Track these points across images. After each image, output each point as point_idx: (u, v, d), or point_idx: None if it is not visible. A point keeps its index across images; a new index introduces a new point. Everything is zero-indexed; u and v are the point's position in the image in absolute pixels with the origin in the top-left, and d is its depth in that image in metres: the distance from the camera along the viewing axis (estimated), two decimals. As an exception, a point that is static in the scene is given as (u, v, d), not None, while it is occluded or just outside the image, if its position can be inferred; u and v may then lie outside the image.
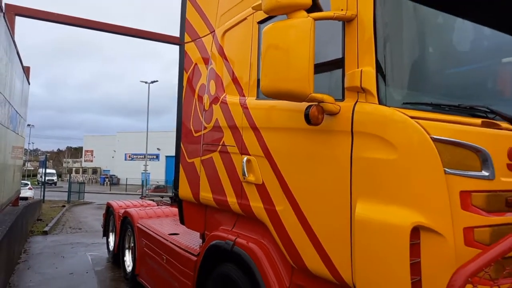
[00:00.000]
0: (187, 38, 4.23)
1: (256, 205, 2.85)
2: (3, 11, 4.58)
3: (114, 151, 61.30)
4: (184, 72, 4.25)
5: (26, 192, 20.82)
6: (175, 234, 4.63)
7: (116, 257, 6.83)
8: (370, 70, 2.10)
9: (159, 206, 6.75)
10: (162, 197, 8.70)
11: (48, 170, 38.12)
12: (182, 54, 4.28)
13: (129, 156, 59.70)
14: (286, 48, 2.13)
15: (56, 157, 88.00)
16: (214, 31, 3.75)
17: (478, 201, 2.05)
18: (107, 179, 56.06)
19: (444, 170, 1.94)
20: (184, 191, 4.05)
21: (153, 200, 7.92)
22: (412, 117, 1.97)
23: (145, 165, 33.07)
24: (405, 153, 1.96)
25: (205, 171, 3.66)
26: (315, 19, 2.15)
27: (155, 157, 52.81)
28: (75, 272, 6.61)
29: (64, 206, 20.40)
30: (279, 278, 2.64)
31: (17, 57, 6.47)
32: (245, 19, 3.22)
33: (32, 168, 63.49)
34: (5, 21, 4.75)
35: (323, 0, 2.33)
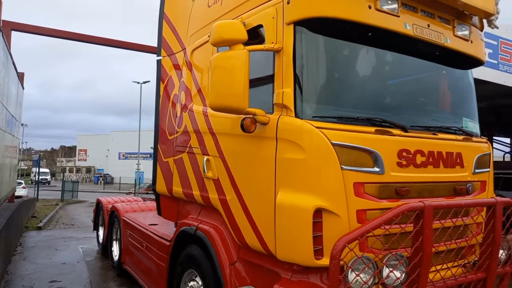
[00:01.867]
0: (163, 53, 4.85)
1: (213, 196, 3.49)
2: (1, 30, 5.19)
3: (108, 150, 61.61)
4: (161, 82, 4.86)
5: (20, 191, 21.24)
6: (155, 225, 5.24)
7: (105, 249, 7.43)
8: (289, 91, 2.74)
9: (144, 201, 7.36)
10: (147, 193, 9.32)
11: (41, 169, 38.47)
12: (159, 67, 4.90)
13: (123, 155, 60.05)
14: (227, 73, 2.77)
15: (49, 156, 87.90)
16: (185, 48, 4.37)
17: (370, 190, 2.72)
18: (101, 178, 56.38)
19: (341, 167, 2.60)
20: (160, 186, 4.68)
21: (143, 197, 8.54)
22: (318, 127, 2.62)
23: (138, 164, 33.57)
24: (311, 154, 2.61)
25: (177, 169, 4.28)
26: (250, 51, 2.80)
27: (148, 156, 53.17)
28: (67, 262, 7.21)
29: (57, 204, 20.90)
30: (229, 254, 3.28)
31: (12, 67, 7.05)
32: (207, 41, 3.84)
33: (26, 167, 63.53)
34: (3, 38, 5.34)
35: (262, 33, 2.99)
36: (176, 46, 4.60)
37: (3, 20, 6.51)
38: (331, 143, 2.59)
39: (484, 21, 3.67)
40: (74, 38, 8.33)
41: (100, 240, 7.95)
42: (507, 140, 14.26)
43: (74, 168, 66.79)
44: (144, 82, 36.56)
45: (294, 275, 2.72)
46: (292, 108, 2.72)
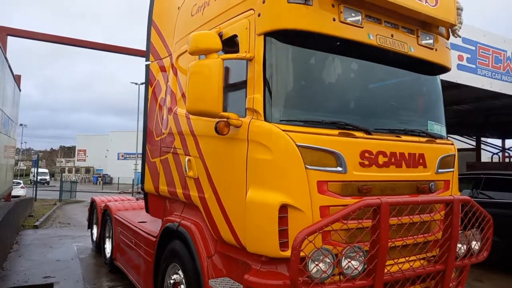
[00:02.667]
0: (151, 58, 5.09)
1: (194, 194, 3.72)
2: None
3: (107, 150, 61.80)
4: (150, 86, 5.10)
5: (18, 191, 21.50)
6: (144, 222, 5.47)
7: (99, 246, 7.66)
8: (259, 97, 2.98)
9: (136, 200, 7.59)
10: (139, 193, 9.55)
11: (40, 170, 38.77)
12: (148, 71, 5.14)
13: (122, 155, 60.22)
14: (202, 79, 3.01)
15: (49, 156, 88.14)
16: (171, 54, 4.61)
17: (333, 188, 2.95)
18: (100, 179, 56.56)
19: (305, 167, 2.83)
20: (148, 185, 4.92)
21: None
22: (284, 130, 2.86)
23: (135, 164, 33.80)
24: (278, 155, 2.84)
25: (163, 169, 4.52)
26: (224, 59, 3.04)
27: (147, 156, 53.31)
28: (61, 259, 7.43)
29: (55, 204, 21.14)
30: (207, 248, 3.51)
31: (8, 71, 7.29)
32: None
33: (25, 168, 63.79)
34: (-2, 44, 5.59)
35: (237, 42, 3.22)
36: (163, 51, 4.84)
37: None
38: (296, 144, 2.82)
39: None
40: (67, 42, 8.65)
41: (94, 238, 8.18)
42: (496, 141, 14.57)
43: (73, 169, 67.01)
44: (142, 83, 36.60)
45: (263, 266, 2.96)
46: (262, 113, 2.96)
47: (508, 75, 6.95)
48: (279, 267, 2.91)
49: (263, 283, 2.83)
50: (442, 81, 6.26)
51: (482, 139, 13.63)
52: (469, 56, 6.30)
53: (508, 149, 13.26)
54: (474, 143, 12.98)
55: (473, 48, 6.37)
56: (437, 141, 3.72)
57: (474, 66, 6.38)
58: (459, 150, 14.91)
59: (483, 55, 6.51)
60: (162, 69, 4.81)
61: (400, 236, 3.03)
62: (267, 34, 3.00)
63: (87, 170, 65.46)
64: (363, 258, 2.80)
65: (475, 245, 3.55)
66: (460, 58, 6.19)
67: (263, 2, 3.01)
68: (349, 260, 2.75)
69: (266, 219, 2.80)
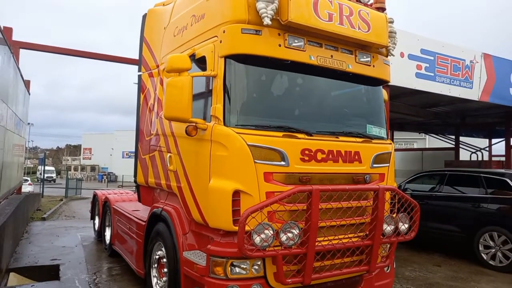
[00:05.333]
0: (142, 69, 5.93)
1: (173, 184, 4.54)
2: (12, 52, 6.31)
3: (112, 149, 62.81)
4: (141, 93, 5.94)
5: (26, 188, 22.50)
6: (137, 211, 6.31)
7: (100, 235, 8.52)
8: (220, 106, 3.79)
9: (133, 193, 8.44)
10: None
11: (47, 168, 39.89)
12: (140, 80, 5.97)
13: (127, 154, 61.10)
14: (176, 92, 3.81)
15: (55, 154, 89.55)
16: (158, 66, 5.43)
17: (278, 177, 3.75)
18: (105, 177, 57.68)
19: (254, 161, 3.64)
20: (140, 178, 5.76)
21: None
22: (238, 133, 3.66)
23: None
24: (232, 152, 3.65)
25: (151, 164, 5.35)
26: (193, 77, 3.85)
27: (151, 155, 54.21)
28: (67, 246, 8.30)
29: (61, 200, 22.11)
30: (183, 227, 4.33)
31: (21, 79, 8.16)
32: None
33: (32, 165, 65.02)
34: (13, 58, 6.43)
35: (206, 61, 4.02)
36: (152, 64, 5.67)
37: (13, 40, 7.68)
38: (247, 144, 3.63)
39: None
40: (75, 54, 9.63)
41: (96, 227, 9.05)
42: (475, 140, 15.29)
43: (79, 167, 68.26)
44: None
45: (222, 238, 3.77)
46: (222, 119, 3.77)
47: (467, 81, 7.69)
48: (234, 239, 3.71)
49: (221, 251, 3.65)
50: (403, 88, 7.08)
51: (463, 139, 14.36)
52: (427, 65, 7.05)
53: (484, 148, 13.99)
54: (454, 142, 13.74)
55: (432, 58, 7.12)
56: (373, 141, 4.50)
57: (432, 74, 7.13)
58: (440, 149, 15.69)
59: (442, 64, 7.25)
60: (152, 79, 5.65)
61: (331, 217, 3.81)
62: (227, 57, 3.81)
63: (93, 168, 66.65)
64: (297, 231, 3.60)
65: (402, 226, 4.33)
66: (418, 67, 6.94)
67: (224, 32, 3.82)
68: (285, 233, 3.55)
69: (223, 201, 3.62)
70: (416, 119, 12.75)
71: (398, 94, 7.89)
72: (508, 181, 7.33)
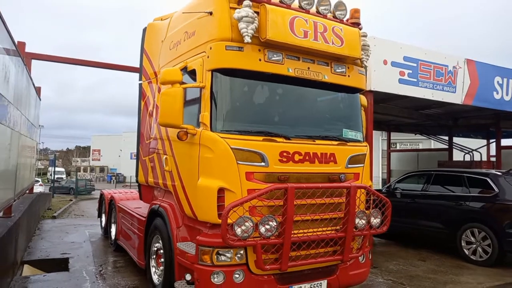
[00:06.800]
0: (143, 78, 6.48)
1: (169, 183, 5.07)
2: (25, 64, 6.92)
3: (121, 150, 63.74)
4: (142, 100, 6.49)
5: (37, 188, 23.24)
6: (139, 208, 6.86)
7: (106, 231, 9.11)
8: (207, 114, 4.30)
9: (137, 192, 8.99)
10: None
11: (57, 169, 40.79)
12: (140, 89, 6.52)
13: (135, 155, 61.91)
14: (169, 102, 4.33)
15: (65, 156, 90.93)
16: (157, 76, 5.97)
17: (258, 176, 4.25)
18: (113, 177, 58.63)
19: (237, 162, 4.14)
20: (141, 178, 6.30)
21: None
22: (223, 137, 4.17)
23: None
24: (217, 154, 4.16)
25: (150, 165, 5.89)
26: (184, 88, 4.37)
27: (158, 156, 54.86)
28: (76, 242, 8.90)
29: (71, 200, 22.90)
30: (177, 221, 4.86)
31: (33, 88, 8.78)
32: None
33: (42, 167, 66.37)
34: (26, 69, 7.04)
35: (194, 76, 4.53)
36: (152, 74, 6.21)
37: (26, 52, 8.30)
38: (230, 147, 4.14)
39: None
40: (83, 64, 10.32)
41: (103, 224, 9.64)
42: (469, 141, 15.63)
43: (88, 168, 69.45)
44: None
45: (210, 230, 4.28)
46: (209, 125, 4.28)
47: (450, 86, 8.09)
48: (220, 230, 4.22)
49: (208, 241, 4.16)
50: (386, 93, 7.52)
51: (459, 140, 14.72)
52: (410, 71, 7.48)
53: (476, 150, 14.34)
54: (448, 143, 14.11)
55: (415, 64, 7.54)
56: (349, 144, 4.97)
57: (415, 80, 7.55)
58: (434, 150, 16.06)
59: (425, 70, 7.67)
60: (151, 87, 6.19)
61: (305, 212, 4.29)
62: (213, 70, 4.33)
63: (102, 169, 67.79)
64: (275, 224, 4.09)
65: (374, 220, 4.80)
66: (401, 73, 7.38)
67: (210, 48, 4.34)
68: (263, 225, 4.04)
69: (209, 197, 4.13)
70: (410, 121, 13.14)
71: (389, 98, 8.30)
72: (489, 180, 7.73)
